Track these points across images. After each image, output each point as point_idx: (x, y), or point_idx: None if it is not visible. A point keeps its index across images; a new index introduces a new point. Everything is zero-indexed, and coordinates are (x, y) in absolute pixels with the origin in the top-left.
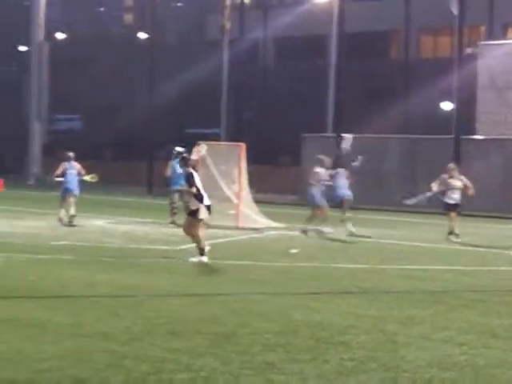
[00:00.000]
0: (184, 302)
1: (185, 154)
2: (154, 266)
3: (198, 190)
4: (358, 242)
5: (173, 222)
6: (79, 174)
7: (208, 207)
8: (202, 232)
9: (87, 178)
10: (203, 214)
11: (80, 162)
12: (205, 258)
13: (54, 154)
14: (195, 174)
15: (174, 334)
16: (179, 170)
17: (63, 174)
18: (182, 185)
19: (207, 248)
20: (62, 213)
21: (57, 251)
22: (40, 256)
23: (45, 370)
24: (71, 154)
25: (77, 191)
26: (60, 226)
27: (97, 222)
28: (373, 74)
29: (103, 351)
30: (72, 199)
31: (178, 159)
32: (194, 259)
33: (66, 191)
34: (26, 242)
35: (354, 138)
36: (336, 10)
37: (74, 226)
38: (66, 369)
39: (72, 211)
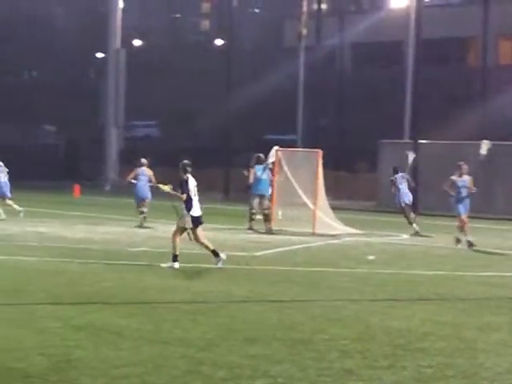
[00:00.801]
0: (261, 309)
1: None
2: (232, 273)
3: (189, 197)
4: (435, 248)
5: (251, 228)
6: (150, 180)
7: (197, 218)
8: (203, 237)
9: (163, 187)
10: (187, 223)
11: (157, 169)
12: (176, 265)
13: (130, 160)
14: (190, 182)
15: (252, 340)
16: (262, 176)
17: (135, 179)
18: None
19: (223, 255)
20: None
21: (134, 257)
22: (117, 262)
23: (122, 377)
24: (144, 161)
25: (148, 197)
26: (137, 232)
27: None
28: (450, 80)
29: (181, 357)
30: (145, 203)
31: (258, 165)
32: (165, 265)
33: (139, 199)
34: (103, 248)
35: (428, 145)
36: (413, 16)
37: (147, 228)
38: (144, 375)
39: (144, 209)
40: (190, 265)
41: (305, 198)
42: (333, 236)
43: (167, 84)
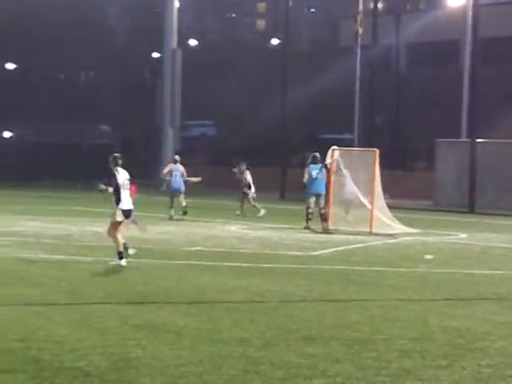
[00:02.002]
0: (319, 308)
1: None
2: (289, 272)
3: (117, 191)
4: (493, 247)
5: (307, 228)
6: (182, 175)
7: (127, 211)
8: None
9: (193, 179)
10: (118, 216)
11: (212, 168)
12: (123, 262)
13: (186, 160)
14: (120, 175)
15: (310, 339)
16: (317, 176)
17: (170, 175)
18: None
19: (132, 251)
20: (172, 211)
21: (191, 257)
22: (175, 262)
23: (181, 376)
24: (177, 158)
25: (182, 189)
26: (194, 231)
27: (231, 227)
28: (507, 79)
29: (239, 357)
30: (181, 196)
31: (313, 164)
32: (113, 262)
33: (174, 191)
34: (160, 247)
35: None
36: (470, 15)
37: (185, 214)
38: (203, 374)
39: (183, 203)
40: (247, 264)
41: (361, 198)
42: (390, 235)
43: (223, 83)
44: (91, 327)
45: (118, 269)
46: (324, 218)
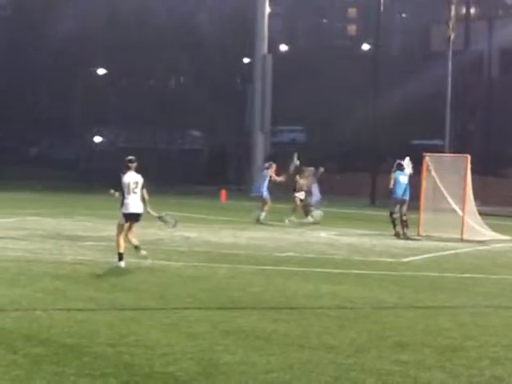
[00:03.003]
0: (411, 315)
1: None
2: (380, 279)
3: (123, 195)
4: None
5: (397, 234)
6: (270, 180)
7: (130, 215)
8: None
9: (277, 178)
10: (121, 220)
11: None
12: (122, 264)
13: (277, 165)
14: (125, 179)
15: (401, 346)
16: (402, 181)
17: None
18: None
19: (143, 252)
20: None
21: (281, 262)
22: (264, 267)
23: (271, 382)
24: (266, 164)
25: (263, 194)
26: (283, 237)
27: (321, 233)
28: None
29: (329, 363)
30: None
31: (399, 171)
32: (114, 264)
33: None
34: (250, 253)
35: None
36: None
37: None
38: (292, 380)
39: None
40: (337, 270)
41: (453, 204)
42: (481, 242)
43: (313, 89)
44: (181, 332)
45: (209, 274)
46: (405, 224)
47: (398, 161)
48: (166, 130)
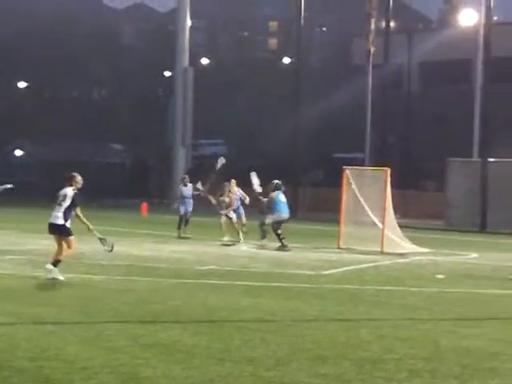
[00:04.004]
0: (331, 327)
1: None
2: (301, 291)
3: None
4: (504, 267)
5: (285, 246)
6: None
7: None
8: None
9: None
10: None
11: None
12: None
13: (197, 179)
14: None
15: (321, 359)
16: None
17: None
18: None
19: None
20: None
21: (202, 276)
22: (185, 280)
23: None
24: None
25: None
26: (205, 250)
27: (242, 247)
28: None
29: (250, 376)
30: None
31: (277, 190)
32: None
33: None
34: (171, 266)
35: (498, 163)
36: (482, 34)
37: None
38: None
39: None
40: (258, 283)
41: (373, 217)
42: (401, 255)
43: (235, 102)
44: (101, 346)
45: (130, 288)
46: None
47: (277, 181)
48: (88, 143)
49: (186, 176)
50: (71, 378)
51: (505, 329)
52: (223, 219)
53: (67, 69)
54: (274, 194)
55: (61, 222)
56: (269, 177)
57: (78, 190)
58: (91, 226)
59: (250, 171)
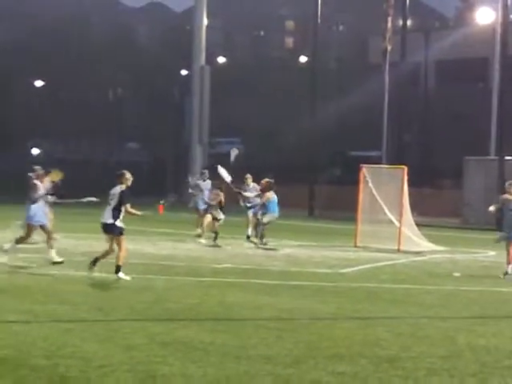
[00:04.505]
0: (348, 325)
1: None
2: (318, 290)
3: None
4: None
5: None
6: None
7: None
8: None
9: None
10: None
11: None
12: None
13: (214, 177)
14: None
15: (338, 357)
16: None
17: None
18: None
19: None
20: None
21: (219, 274)
22: (202, 279)
23: None
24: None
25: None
26: (221, 248)
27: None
28: None
29: (267, 374)
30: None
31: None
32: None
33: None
34: (188, 264)
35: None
36: (499, 32)
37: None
38: None
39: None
40: (275, 282)
41: (390, 215)
42: (418, 253)
43: (251, 101)
44: (118, 344)
45: (147, 286)
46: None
47: (269, 180)
48: (104, 142)
49: (206, 171)
50: (88, 376)
51: None
52: (209, 218)
53: (83, 68)
54: (270, 194)
55: (110, 221)
56: (285, 175)
57: (128, 187)
58: (141, 213)
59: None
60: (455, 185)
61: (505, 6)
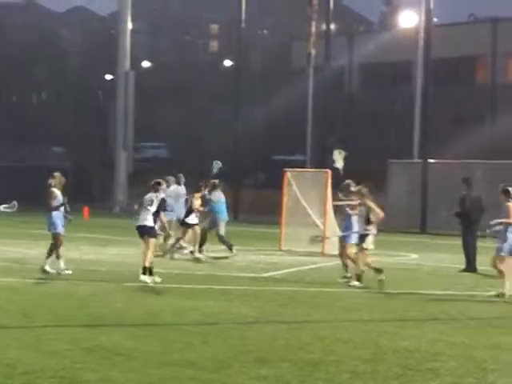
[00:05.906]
0: (272, 330)
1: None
2: (242, 294)
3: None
4: (443, 268)
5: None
6: None
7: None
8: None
9: None
10: None
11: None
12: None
13: (138, 182)
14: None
15: (262, 361)
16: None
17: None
18: None
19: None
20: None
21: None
22: (127, 284)
23: None
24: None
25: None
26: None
27: (184, 250)
28: (459, 100)
29: (190, 379)
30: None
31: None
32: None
33: None
34: (112, 269)
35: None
36: (422, 36)
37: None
38: None
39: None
40: (200, 286)
41: (314, 218)
42: None
43: (176, 105)
44: (42, 350)
45: (71, 292)
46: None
47: (213, 181)
48: (28, 147)
49: (181, 174)
50: (12, 382)
51: (444, 329)
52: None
53: (6, 73)
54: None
55: (150, 223)
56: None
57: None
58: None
59: None
60: (379, 187)
61: (428, 10)
